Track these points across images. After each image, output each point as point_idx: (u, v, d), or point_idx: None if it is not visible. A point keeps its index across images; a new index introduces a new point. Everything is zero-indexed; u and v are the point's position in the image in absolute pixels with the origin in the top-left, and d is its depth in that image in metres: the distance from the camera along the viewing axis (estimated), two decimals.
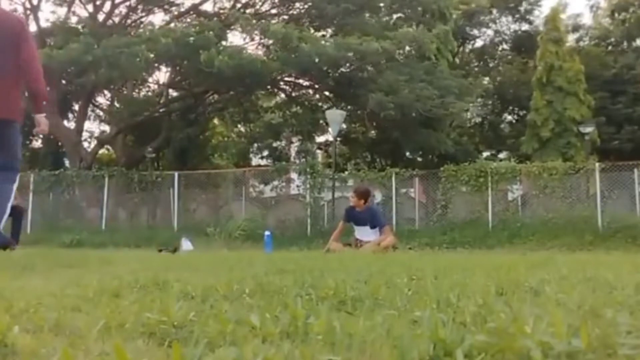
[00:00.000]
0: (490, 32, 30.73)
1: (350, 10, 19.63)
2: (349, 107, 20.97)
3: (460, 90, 19.26)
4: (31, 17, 21.47)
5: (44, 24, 22.35)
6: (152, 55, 17.26)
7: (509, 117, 29.40)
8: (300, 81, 22.78)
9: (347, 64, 19.62)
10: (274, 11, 22.66)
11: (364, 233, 7.41)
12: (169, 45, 17.03)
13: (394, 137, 21.24)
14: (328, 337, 0.95)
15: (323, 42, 18.79)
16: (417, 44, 19.12)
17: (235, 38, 27.60)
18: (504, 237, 13.68)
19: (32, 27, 21.56)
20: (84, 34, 18.48)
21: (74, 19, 21.79)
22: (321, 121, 22.39)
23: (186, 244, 9.33)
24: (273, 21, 20.29)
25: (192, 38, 17.27)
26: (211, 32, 17.56)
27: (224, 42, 18.91)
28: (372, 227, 7.37)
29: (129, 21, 22.88)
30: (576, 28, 30.26)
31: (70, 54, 16.97)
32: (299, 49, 17.19)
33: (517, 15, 30.03)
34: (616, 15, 28.97)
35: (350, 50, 17.62)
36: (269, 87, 22.64)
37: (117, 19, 22.54)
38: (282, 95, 25.16)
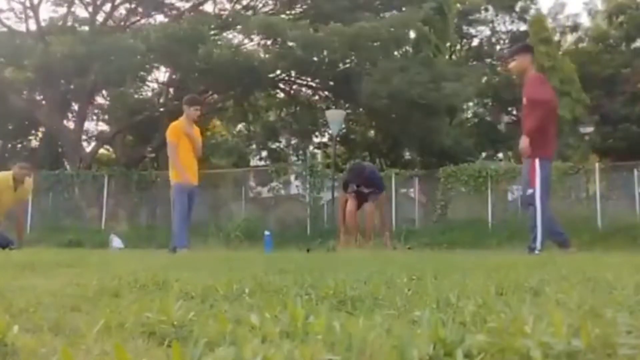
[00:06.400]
0: (487, 31, 30.79)
1: (348, 7, 19.64)
2: (347, 105, 20.94)
3: (457, 78, 19.21)
4: (32, 16, 21.46)
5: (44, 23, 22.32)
6: (144, 47, 17.24)
7: (506, 118, 29.42)
8: (299, 80, 22.77)
9: (339, 54, 19.47)
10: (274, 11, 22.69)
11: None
12: (160, 39, 17.06)
13: (393, 133, 21.11)
14: (328, 337, 0.95)
15: (311, 30, 18.76)
16: (405, 27, 19.09)
17: (235, 39, 27.60)
18: (504, 237, 13.65)
19: (32, 27, 21.56)
20: (82, 32, 18.61)
21: (71, 19, 21.83)
22: (321, 120, 22.36)
23: (116, 242, 8.59)
24: None
25: (187, 32, 17.32)
26: (205, 27, 17.62)
27: (220, 38, 18.97)
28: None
29: (128, 23, 22.89)
30: (575, 28, 30.28)
31: (70, 47, 17.03)
32: (289, 38, 17.23)
33: (513, 15, 30.06)
34: (614, 18, 28.99)
35: (339, 35, 17.63)
36: (268, 86, 22.64)
37: (116, 21, 22.58)
38: (281, 95, 25.14)
